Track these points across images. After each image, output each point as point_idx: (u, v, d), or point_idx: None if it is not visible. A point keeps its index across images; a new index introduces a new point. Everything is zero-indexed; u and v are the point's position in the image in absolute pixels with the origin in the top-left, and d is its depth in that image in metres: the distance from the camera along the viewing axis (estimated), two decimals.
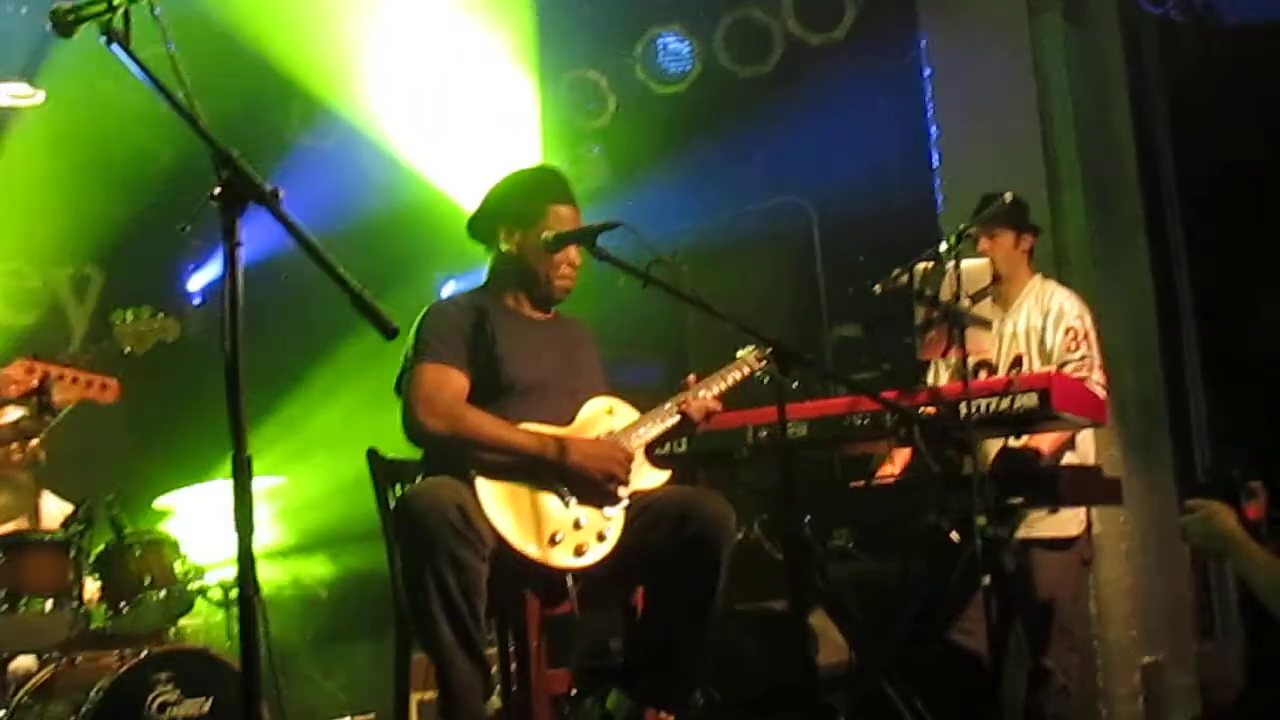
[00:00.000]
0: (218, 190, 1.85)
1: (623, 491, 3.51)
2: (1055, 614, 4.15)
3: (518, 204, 3.75)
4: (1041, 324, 4.36)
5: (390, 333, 1.80)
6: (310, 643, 6.39)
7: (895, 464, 4.38)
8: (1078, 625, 4.28)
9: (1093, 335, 4.33)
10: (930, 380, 4.49)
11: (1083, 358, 4.27)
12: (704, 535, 3.47)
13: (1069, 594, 4.24)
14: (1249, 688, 3.47)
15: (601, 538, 3.45)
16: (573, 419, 3.61)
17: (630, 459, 3.53)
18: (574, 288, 3.75)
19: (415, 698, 4.96)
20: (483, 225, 3.80)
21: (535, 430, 3.48)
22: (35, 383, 3.72)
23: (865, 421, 3.95)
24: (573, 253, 3.70)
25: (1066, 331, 4.31)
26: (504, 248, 3.75)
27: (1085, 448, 4.31)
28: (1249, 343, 5.29)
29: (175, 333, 4.20)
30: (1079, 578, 4.30)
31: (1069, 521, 4.19)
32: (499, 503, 3.32)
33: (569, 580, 3.40)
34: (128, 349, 4.13)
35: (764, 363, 3.70)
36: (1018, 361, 4.33)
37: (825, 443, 4.05)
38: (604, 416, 3.66)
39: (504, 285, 3.77)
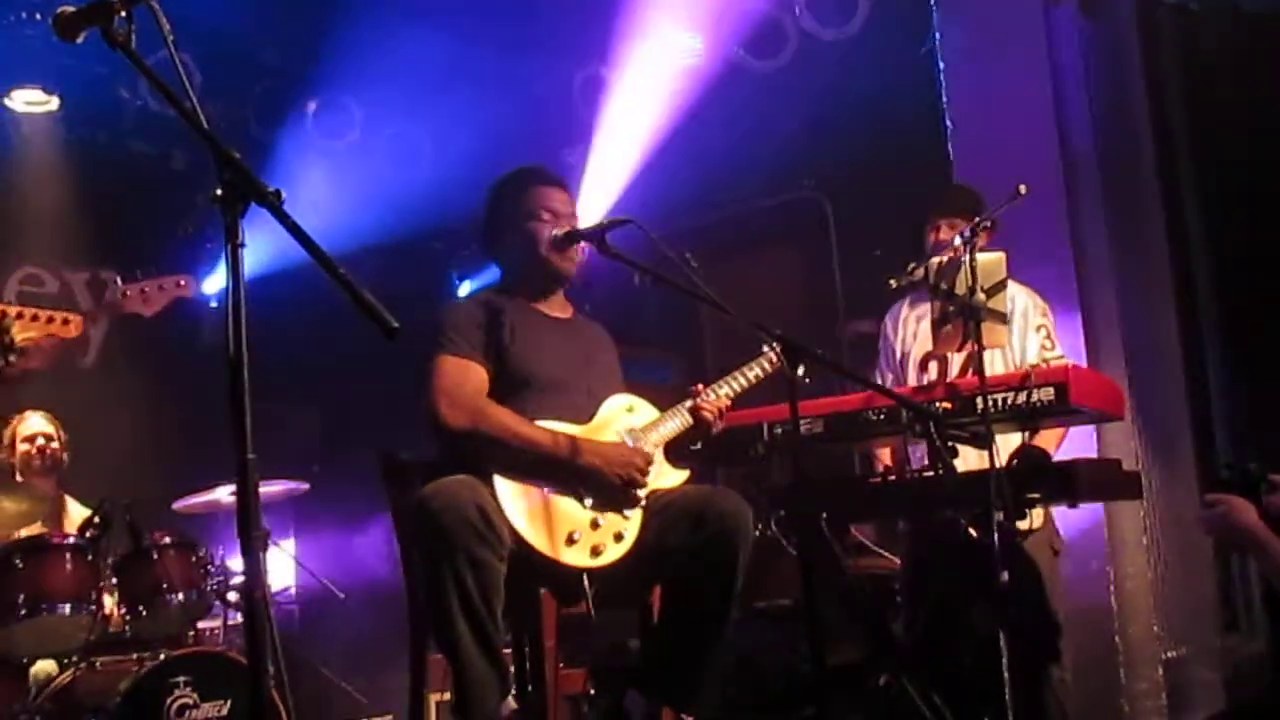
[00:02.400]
0: (219, 192, 1.84)
1: (641, 494, 3.50)
2: (1039, 606, 4.11)
3: (504, 200, 3.78)
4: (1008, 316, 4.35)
5: (391, 333, 1.79)
6: (329, 644, 6.40)
7: (886, 459, 4.36)
8: (1060, 612, 4.25)
9: (1055, 332, 4.39)
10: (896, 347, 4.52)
11: (1059, 355, 4.31)
12: (721, 535, 3.45)
13: (1047, 578, 4.19)
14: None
15: (619, 538, 3.44)
16: (592, 416, 3.60)
17: (649, 461, 3.51)
18: (574, 269, 3.75)
19: (434, 698, 4.97)
20: (486, 237, 3.85)
21: (556, 430, 3.47)
22: None
23: (881, 417, 3.93)
24: (555, 201, 3.71)
25: (1039, 330, 4.35)
26: (506, 246, 3.78)
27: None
28: (1270, 335, 5.24)
29: (190, 289, 4.16)
30: (1052, 566, 4.27)
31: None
32: (517, 502, 3.31)
33: (585, 580, 3.39)
34: (135, 312, 4.09)
35: (775, 361, 3.69)
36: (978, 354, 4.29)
37: (841, 439, 4.03)
38: (623, 414, 3.65)
39: (518, 285, 3.77)
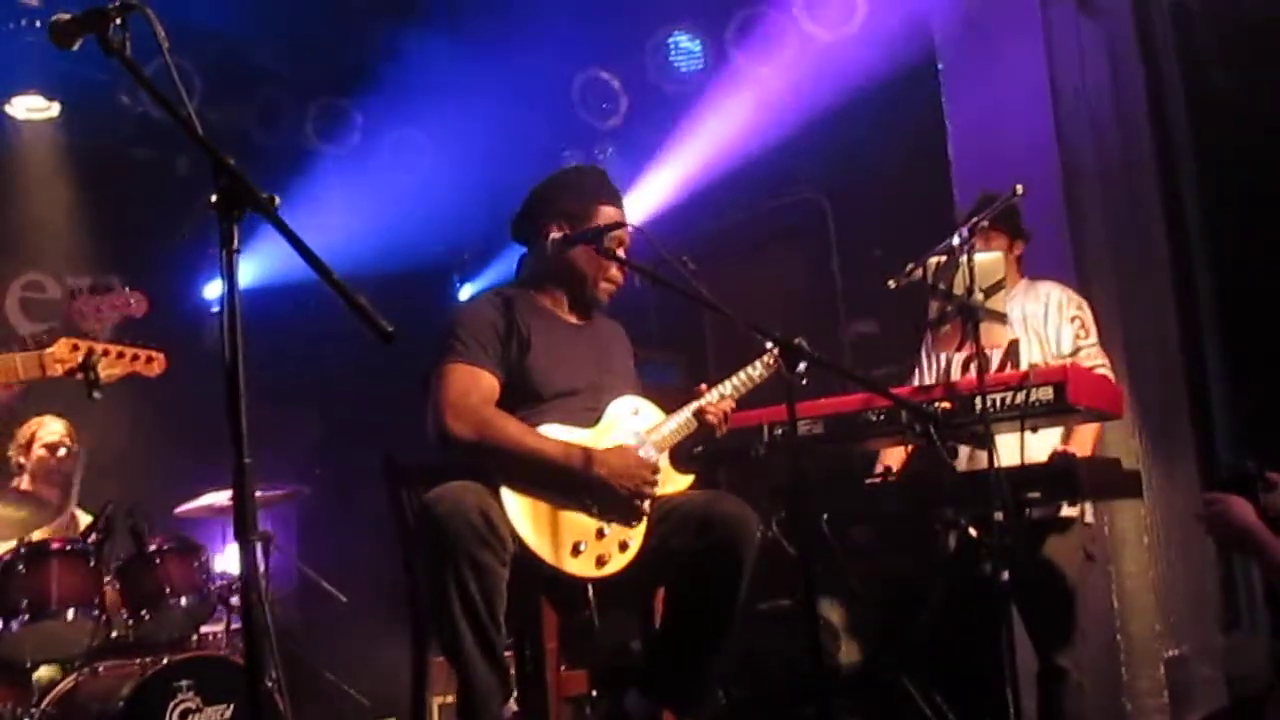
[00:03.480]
0: (214, 198, 1.85)
1: (647, 505, 3.49)
2: (1063, 606, 4.08)
3: (568, 202, 3.67)
4: (1042, 312, 4.34)
5: (387, 338, 1.80)
6: (331, 647, 6.40)
7: (894, 460, 4.36)
8: (1084, 617, 4.21)
9: (1093, 324, 4.33)
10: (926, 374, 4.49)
11: (1094, 344, 4.28)
12: (726, 541, 3.44)
13: (1074, 581, 4.14)
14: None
15: (624, 547, 3.43)
16: (594, 417, 3.58)
17: (657, 471, 3.50)
18: (609, 297, 3.70)
19: (436, 701, 4.98)
20: (528, 223, 3.73)
21: (562, 440, 3.45)
22: (80, 359, 3.73)
23: (881, 418, 3.93)
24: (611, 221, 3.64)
25: (1073, 320, 4.31)
26: (547, 249, 3.65)
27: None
28: (1270, 334, 5.24)
29: (139, 309, 4.15)
30: (1082, 567, 4.21)
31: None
32: (522, 510, 3.30)
33: (589, 590, 3.39)
34: (89, 331, 4.10)
35: (774, 365, 3.69)
36: (1012, 348, 4.29)
37: (841, 440, 4.03)
38: (629, 418, 3.63)
39: (542, 284, 3.70)
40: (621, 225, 3.44)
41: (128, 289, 4.09)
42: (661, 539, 3.47)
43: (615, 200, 3.70)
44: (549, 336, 3.60)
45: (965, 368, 4.26)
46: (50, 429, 5.48)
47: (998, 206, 3.94)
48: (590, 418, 3.56)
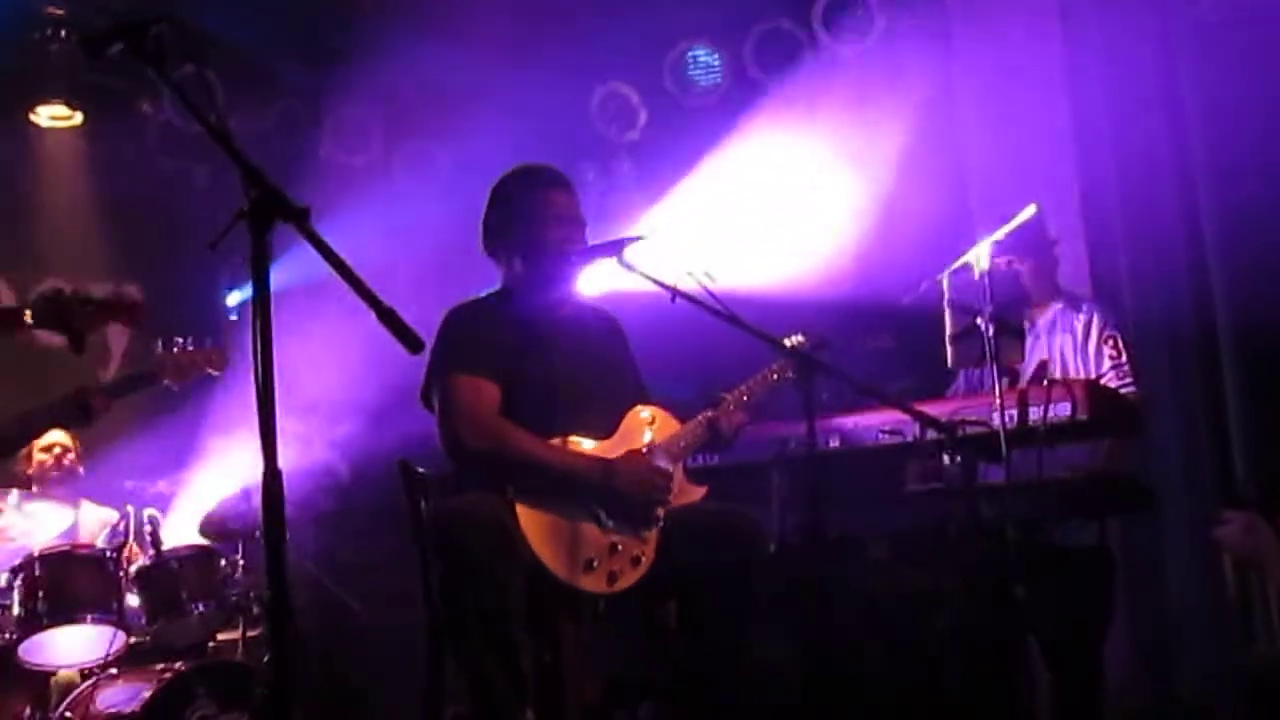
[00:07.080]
0: (246, 208, 1.87)
1: (660, 513, 3.50)
2: (1080, 626, 4.08)
3: (508, 202, 3.72)
4: (1074, 333, 4.34)
5: (417, 347, 1.82)
6: (346, 654, 6.42)
7: (926, 473, 4.35)
8: (1098, 633, 4.20)
9: (1125, 345, 4.33)
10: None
11: (1126, 362, 4.26)
12: (736, 554, 3.46)
13: (1087, 596, 4.13)
14: None
15: (636, 562, 3.44)
16: (608, 424, 3.59)
17: (671, 480, 3.52)
18: (575, 282, 3.70)
19: (450, 710, 4.98)
20: (490, 238, 3.76)
21: (578, 451, 3.47)
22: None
23: (897, 432, 3.94)
24: (560, 206, 3.67)
25: (1106, 340, 4.30)
26: (509, 249, 3.70)
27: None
28: None
29: (221, 365, 4.23)
30: (1096, 582, 4.21)
31: (1083, 530, 4.13)
32: (536, 525, 3.31)
33: (600, 604, 3.39)
34: (167, 381, 4.19)
35: (788, 371, 3.71)
36: (1042, 368, 4.30)
37: (858, 453, 4.04)
38: (645, 428, 3.64)
39: (520, 282, 3.70)
40: (641, 238, 3.46)
41: (210, 344, 4.22)
42: (673, 552, 3.48)
43: (554, 183, 3.72)
44: (538, 334, 3.60)
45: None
46: (46, 434, 5.52)
47: (1014, 222, 3.95)
48: (601, 420, 3.57)
